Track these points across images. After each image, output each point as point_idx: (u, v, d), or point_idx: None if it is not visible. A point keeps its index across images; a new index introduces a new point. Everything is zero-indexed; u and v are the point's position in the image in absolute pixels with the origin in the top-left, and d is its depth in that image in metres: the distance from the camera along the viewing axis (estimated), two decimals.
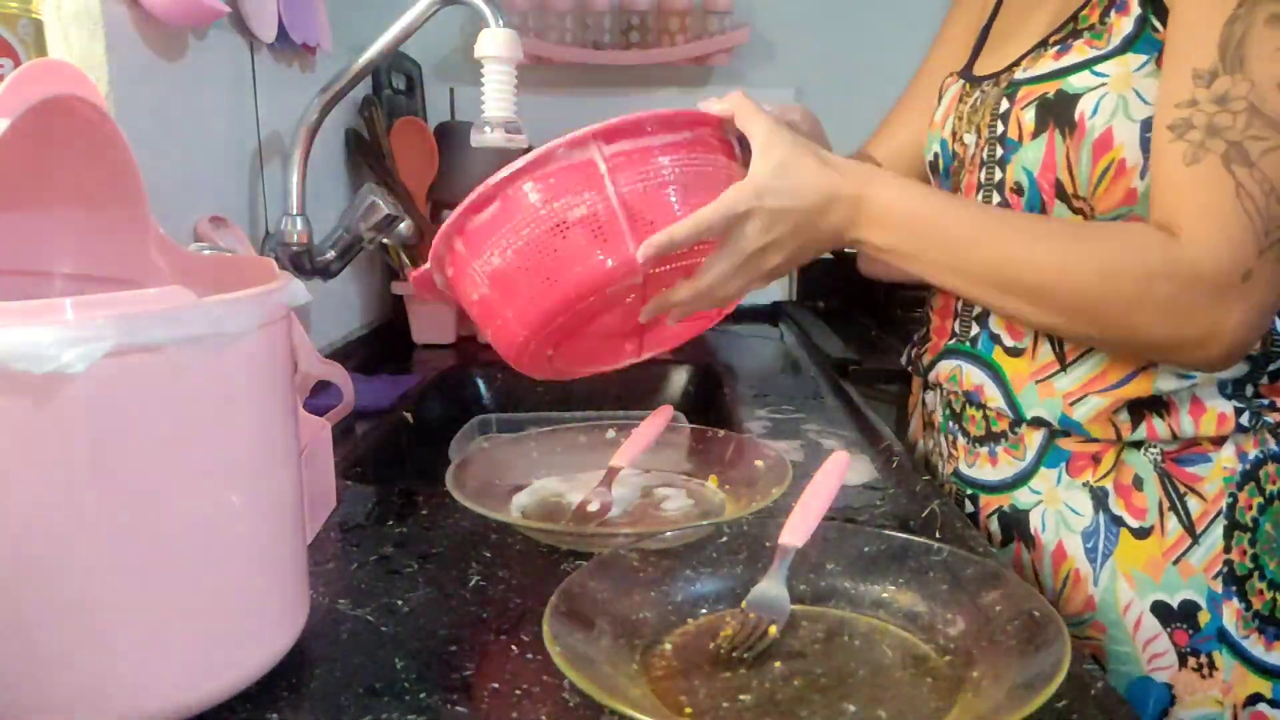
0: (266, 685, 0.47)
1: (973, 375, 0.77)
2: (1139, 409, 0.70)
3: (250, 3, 0.93)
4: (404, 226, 1.08)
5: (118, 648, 0.41)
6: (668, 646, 0.52)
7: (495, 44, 0.86)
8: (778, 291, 1.76)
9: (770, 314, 1.67)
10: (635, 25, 1.62)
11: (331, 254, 1.07)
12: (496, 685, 0.48)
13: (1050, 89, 0.68)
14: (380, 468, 0.92)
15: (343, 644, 0.52)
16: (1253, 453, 0.70)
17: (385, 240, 1.28)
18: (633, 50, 1.62)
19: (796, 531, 0.56)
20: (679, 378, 1.32)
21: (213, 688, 0.44)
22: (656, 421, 0.79)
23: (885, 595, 0.55)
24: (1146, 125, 0.64)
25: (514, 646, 0.52)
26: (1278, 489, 0.70)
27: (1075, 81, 0.67)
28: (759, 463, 0.75)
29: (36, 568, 0.39)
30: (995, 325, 0.76)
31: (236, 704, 0.46)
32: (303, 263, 1.03)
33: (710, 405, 1.18)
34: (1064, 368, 0.72)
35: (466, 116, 1.44)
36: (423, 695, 0.47)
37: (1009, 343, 0.75)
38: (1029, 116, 0.70)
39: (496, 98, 0.87)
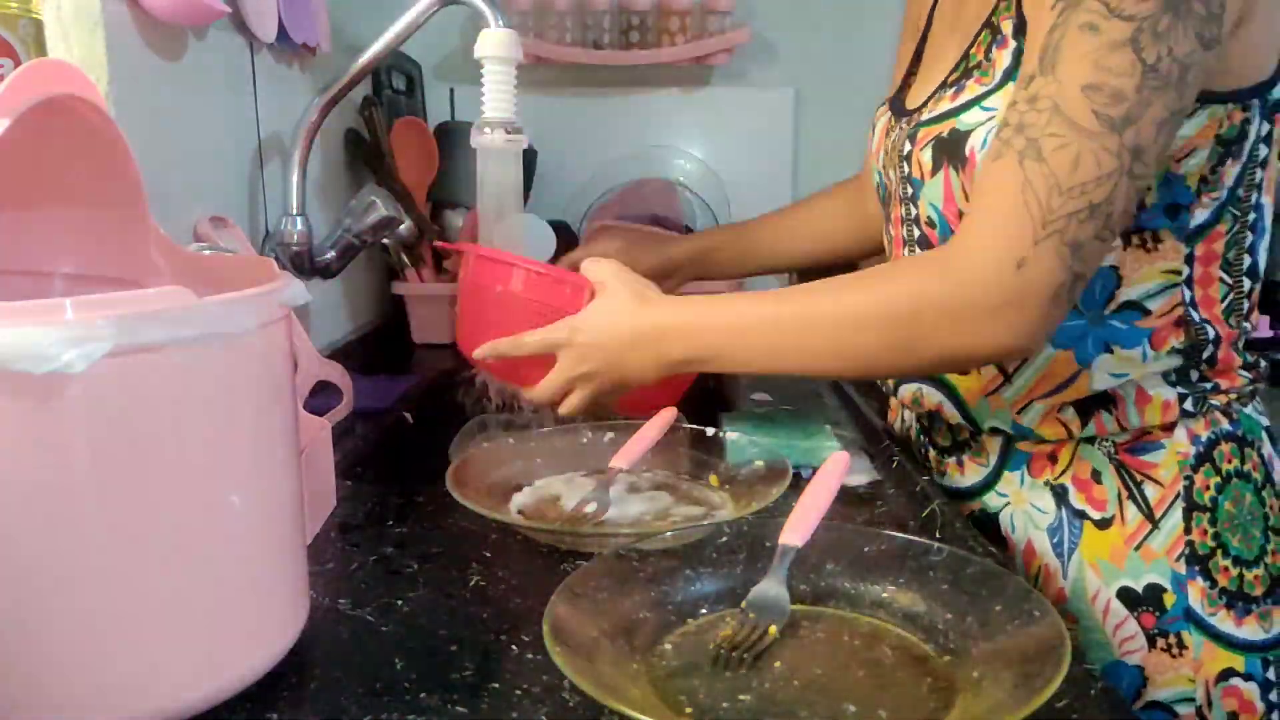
0: (266, 685, 0.47)
1: (932, 395, 0.80)
2: (1085, 407, 0.72)
3: (250, 3, 0.93)
4: (404, 227, 1.08)
5: (117, 648, 0.41)
6: (668, 646, 0.52)
7: (495, 44, 0.86)
8: None
9: None
10: (635, 25, 1.62)
11: (331, 254, 1.07)
12: (496, 685, 0.48)
13: (945, 129, 0.71)
14: (380, 468, 0.92)
15: (343, 644, 0.52)
16: (1204, 434, 0.72)
17: (385, 240, 1.28)
18: (633, 50, 1.62)
19: (796, 531, 0.56)
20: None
21: (213, 688, 0.44)
22: (658, 423, 0.79)
23: (885, 595, 0.55)
24: None
25: (514, 646, 0.52)
26: (1234, 467, 0.72)
27: (966, 119, 0.70)
28: (759, 463, 0.75)
29: (36, 568, 0.39)
30: None
31: (236, 704, 0.46)
32: (303, 263, 1.03)
33: (710, 405, 1.18)
34: (1007, 379, 0.75)
35: (466, 116, 1.44)
36: (423, 695, 0.47)
37: None
38: (926, 157, 0.73)
39: (496, 98, 0.87)
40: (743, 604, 0.54)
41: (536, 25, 1.61)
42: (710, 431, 0.81)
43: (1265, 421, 0.75)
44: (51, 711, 0.41)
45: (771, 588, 0.54)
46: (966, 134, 0.69)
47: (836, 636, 0.53)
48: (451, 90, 1.55)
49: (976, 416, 0.77)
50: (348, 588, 0.59)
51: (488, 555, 0.64)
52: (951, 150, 0.71)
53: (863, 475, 0.78)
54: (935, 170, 0.73)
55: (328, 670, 0.50)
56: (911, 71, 0.86)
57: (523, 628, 0.54)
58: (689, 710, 0.46)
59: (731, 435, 0.80)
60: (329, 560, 0.63)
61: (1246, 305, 0.73)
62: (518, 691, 0.47)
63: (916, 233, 0.78)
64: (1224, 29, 0.60)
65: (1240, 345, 0.74)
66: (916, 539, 0.57)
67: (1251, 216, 0.71)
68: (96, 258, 0.52)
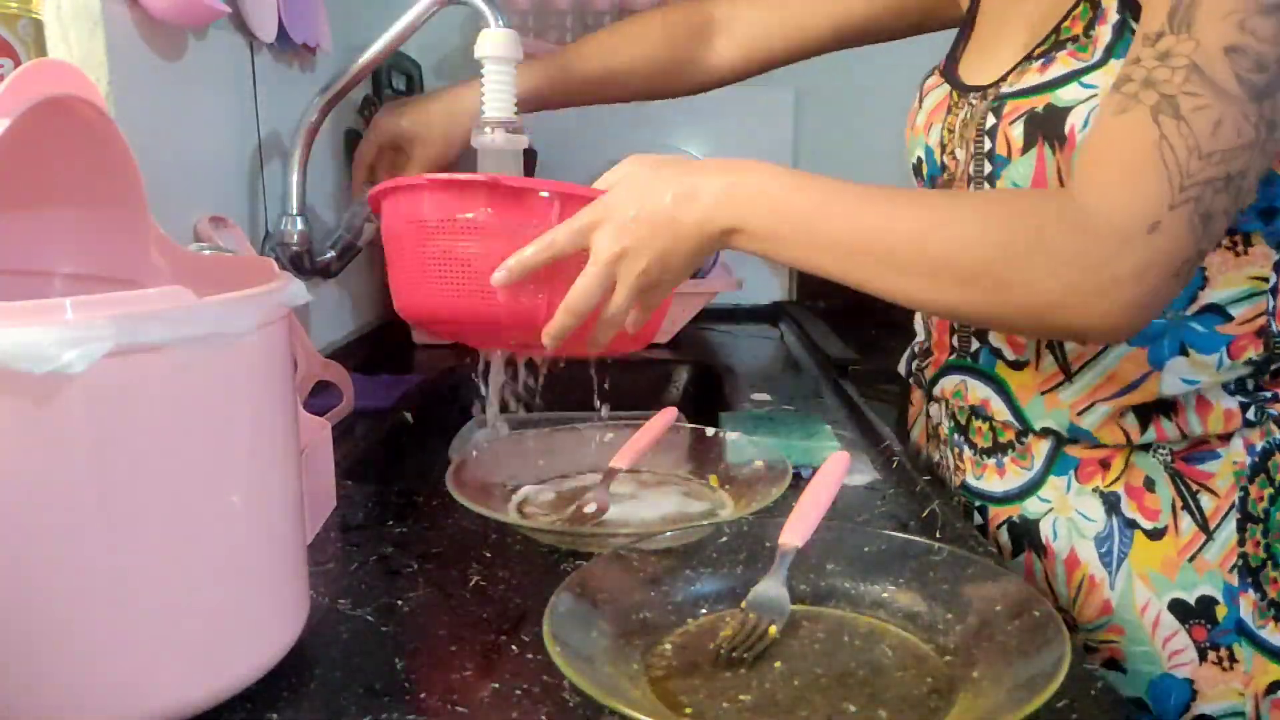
0: (266, 685, 0.47)
1: (978, 390, 0.77)
2: (1146, 412, 0.70)
3: (250, 3, 0.93)
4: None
5: (117, 648, 0.41)
6: (668, 646, 0.52)
7: (495, 44, 0.86)
8: (778, 291, 1.77)
9: (770, 314, 1.67)
10: None
11: (331, 254, 1.07)
12: (496, 685, 0.48)
13: (1039, 103, 0.67)
14: (380, 468, 0.92)
15: (343, 644, 0.52)
16: (1259, 444, 0.70)
17: None
18: None
19: (796, 531, 0.56)
20: (679, 378, 1.32)
21: (213, 688, 0.44)
22: (659, 423, 0.79)
23: (885, 595, 0.55)
24: None
25: (514, 646, 0.52)
26: None
27: (1064, 95, 0.66)
28: (759, 463, 0.75)
29: (36, 567, 0.39)
30: (996, 340, 0.76)
31: (236, 704, 0.46)
32: (303, 263, 1.03)
33: (710, 405, 1.18)
34: (1069, 378, 0.71)
35: None
36: (423, 695, 0.47)
37: (1011, 356, 0.74)
38: (1017, 132, 0.68)
39: (496, 98, 0.87)
40: (743, 604, 0.54)
41: (536, 25, 1.61)
42: (710, 431, 0.81)
43: None
44: (51, 711, 0.41)
45: (771, 588, 0.54)
46: (1066, 111, 0.65)
47: (836, 636, 0.53)
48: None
49: (1028, 415, 0.73)
50: (348, 588, 0.59)
51: (488, 555, 0.64)
52: (1048, 127, 0.66)
53: (863, 475, 0.78)
54: (1027, 148, 0.67)
55: (328, 670, 0.50)
56: (960, 41, 0.82)
57: (523, 628, 0.54)
58: (689, 710, 0.46)
59: (731, 435, 0.80)
60: (329, 560, 0.63)
61: None
62: (518, 691, 0.47)
63: None
64: None
65: None
66: (916, 539, 0.57)
67: None
68: (96, 258, 0.52)
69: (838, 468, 0.63)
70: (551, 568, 0.62)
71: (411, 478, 1.00)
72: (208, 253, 0.76)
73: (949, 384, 0.79)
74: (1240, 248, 0.67)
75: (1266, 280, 0.68)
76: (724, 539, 0.58)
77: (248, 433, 0.45)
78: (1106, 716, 0.45)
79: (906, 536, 0.58)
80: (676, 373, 1.32)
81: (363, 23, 1.35)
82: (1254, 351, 0.69)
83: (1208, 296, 0.68)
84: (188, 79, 0.86)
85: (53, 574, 0.40)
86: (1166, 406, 0.69)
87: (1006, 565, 0.70)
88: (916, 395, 0.92)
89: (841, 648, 0.52)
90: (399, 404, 1.05)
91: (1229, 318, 0.68)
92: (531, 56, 0.90)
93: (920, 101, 0.83)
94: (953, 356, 0.80)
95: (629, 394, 1.31)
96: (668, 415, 0.80)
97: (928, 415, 0.88)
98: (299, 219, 1.01)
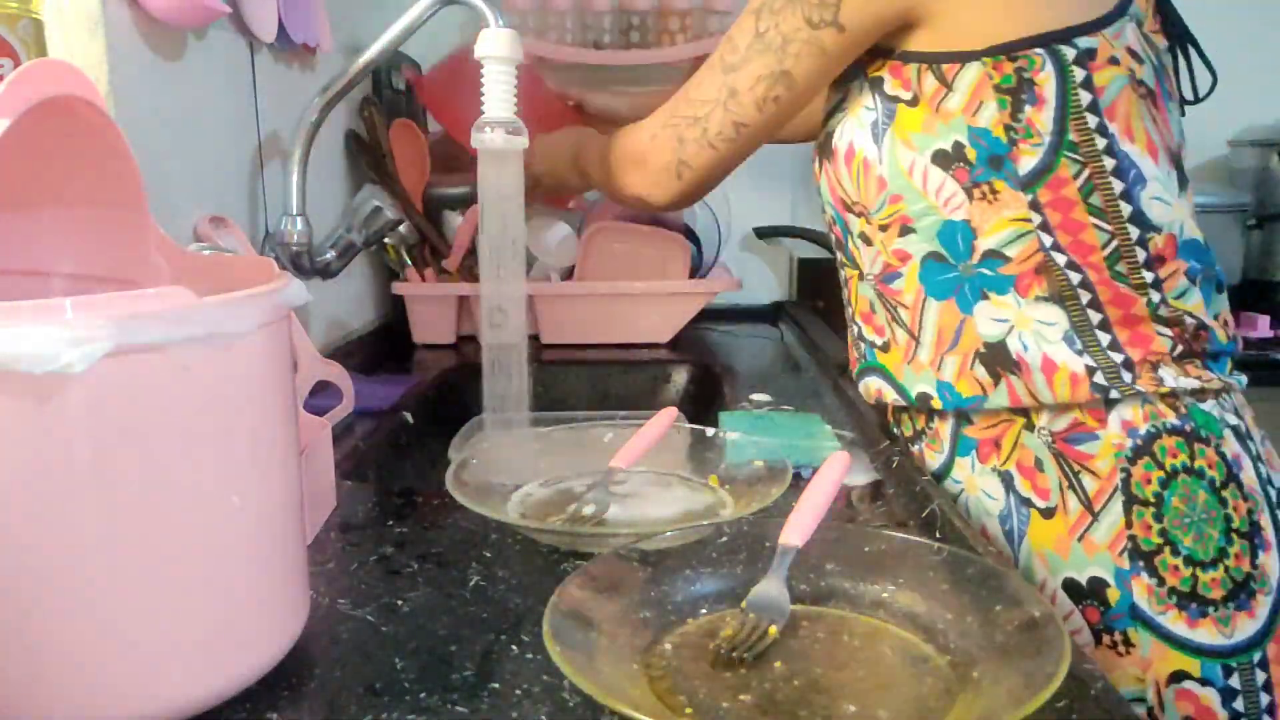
0: (266, 685, 0.47)
1: (874, 383, 0.85)
2: (991, 365, 0.75)
3: (250, 3, 0.93)
4: (404, 227, 1.08)
5: (117, 648, 0.41)
6: (668, 646, 0.52)
7: (495, 44, 0.86)
8: (778, 291, 1.77)
9: (770, 314, 1.67)
10: (635, 25, 1.62)
11: (331, 254, 1.07)
12: (496, 685, 0.48)
13: (821, 135, 0.84)
14: (380, 468, 0.92)
15: (343, 644, 0.52)
16: (1143, 427, 0.72)
17: (385, 240, 1.28)
18: (633, 50, 1.62)
19: (796, 531, 0.57)
20: (679, 378, 1.32)
21: (213, 687, 0.44)
22: (659, 424, 0.79)
23: (885, 595, 0.55)
24: (872, 126, 0.76)
25: (514, 646, 0.52)
26: (1180, 463, 0.71)
27: (829, 122, 0.82)
28: (759, 463, 0.75)
29: (36, 568, 0.39)
30: (867, 333, 0.85)
31: (236, 704, 0.46)
32: (303, 263, 1.03)
33: (710, 405, 1.18)
34: (917, 342, 0.80)
35: None
36: (423, 695, 0.47)
37: (877, 341, 0.84)
38: (816, 162, 0.85)
39: (497, 98, 0.87)
40: (743, 604, 0.54)
41: (536, 25, 1.61)
42: (710, 431, 0.81)
43: (1232, 419, 0.74)
44: (51, 711, 0.41)
45: (771, 588, 0.54)
46: (830, 133, 0.81)
47: (836, 636, 0.53)
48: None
49: (905, 386, 0.81)
50: (348, 588, 0.59)
51: (488, 555, 0.64)
52: (823, 148, 0.82)
53: (863, 475, 0.78)
54: (820, 169, 0.83)
55: (328, 670, 0.50)
56: None
57: (523, 628, 0.54)
58: (689, 710, 0.46)
59: (731, 435, 0.80)
60: (329, 560, 0.63)
61: (1143, 255, 0.73)
62: (518, 691, 0.47)
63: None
64: (840, 15, 0.73)
65: (1146, 297, 0.73)
66: (916, 539, 0.57)
67: (1109, 163, 0.72)
68: (96, 258, 0.52)
69: (838, 468, 0.63)
70: (551, 568, 0.62)
71: (411, 478, 1.00)
72: (208, 253, 0.76)
73: (862, 387, 0.88)
74: (990, 196, 0.73)
75: (1029, 220, 0.73)
76: (724, 539, 0.58)
77: (248, 433, 0.45)
78: (1106, 716, 0.45)
79: (906, 536, 0.58)
80: (676, 373, 1.32)
81: (363, 23, 1.35)
82: (1039, 288, 0.73)
83: (983, 244, 0.74)
84: (188, 79, 0.86)
85: (53, 574, 0.40)
86: (1008, 361, 0.75)
87: (1001, 562, 0.70)
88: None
89: (841, 648, 0.52)
90: (399, 404, 1.05)
91: (1007, 259, 0.74)
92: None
93: None
94: (857, 366, 0.89)
95: (629, 395, 1.31)
96: (668, 415, 0.80)
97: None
98: (299, 219, 1.01)
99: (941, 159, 0.74)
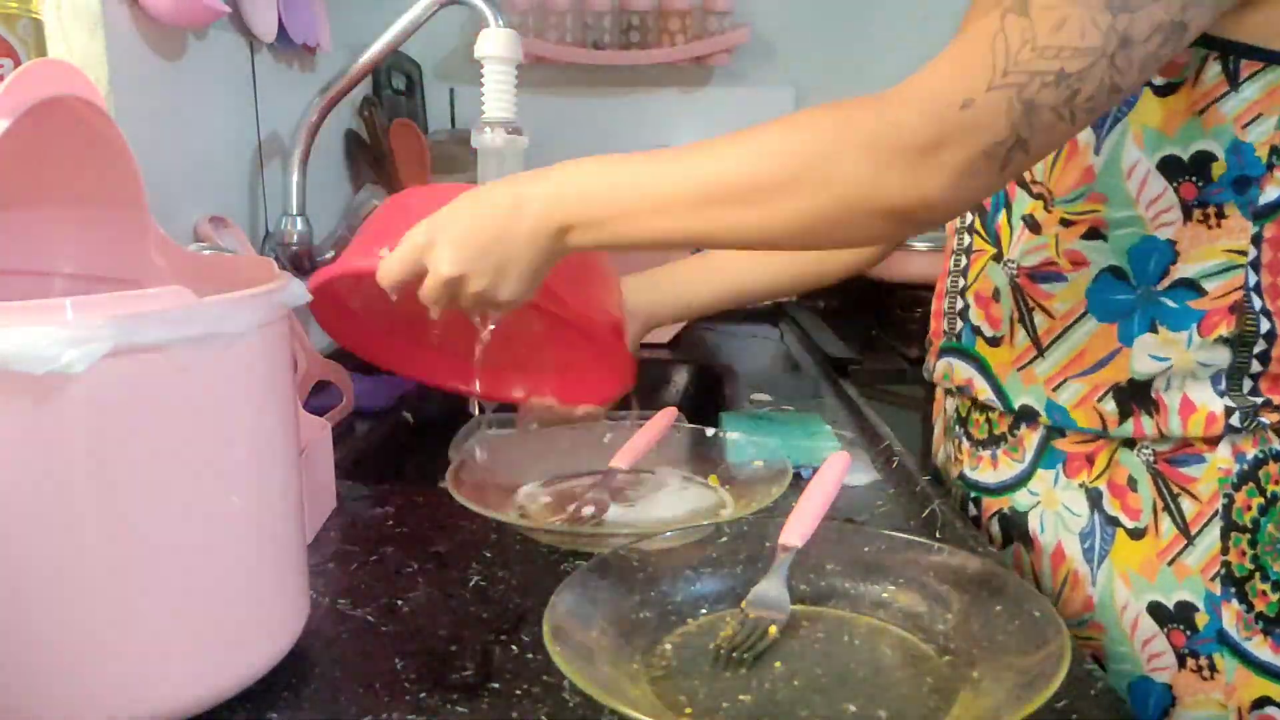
0: (266, 685, 0.47)
1: (961, 370, 0.78)
2: (1124, 399, 0.70)
3: (250, 3, 0.93)
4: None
5: (117, 648, 0.41)
6: (668, 646, 0.52)
7: (495, 44, 0.86)
8: None
9: (770, 314, 1.67)
10: (635, 25, 1.62)
11: (331, 254, 1.07)
12: (496, 685, 0.48)
13: None
14: (380, 468, 0.92)
15: (343, 644, 0.52)
16: (1251, 453, 0.69)
17: None
18: (633, 50, 1.62)
19: (796, 531, 0.56)
20: (679, 378, 1.32)
21: (213, 687, 0.44)
22: (659, 424, 0.79)
23: (885, 595, 0.55)
24: None
25: (514, 646, 0.52)
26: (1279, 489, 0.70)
27: None
28: (759, 463, 0.75)
29: (36, 568, 0.39)
30: (975, 317, 0.77)
31: (236, 704, 0.46)
32: (303, 263, 1.03)
33: (710, 405, 1.18)
34: (1041, 352, 0.72)
35: (466, 117, 1.44)
36: (423, 695, 0.47)
37: (989, 333, 0.76)
38: None
39: (496, 98, 0.87)
40: (743, 604, 0.54)
41: (536, 25, 1.61)
42: (710, 431, 0.81)
43: None
44: (51, 712, 0.41)
45: (771, 588, 0.54)
46: None
47: (836, 636, 0.53)
48: (451, 90, 1.55)
49: (1008, 392, 0.74)
50: (348, 588, 0.59)
51: (488, 555, 0.64)
52: None
53: (863, 475, 0.78)
54: None
55: (328, 670, 0.50)
56: None
57: (523, 628, 0.54)
58: (689, 710, 0.46)
59: (731, 435, 0.80)
60: (329, 560, 0.63)
61: None
62: (518, 691, 0.47)
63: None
64: None
65: None
66: (916, 539, 0.57)
67: None
68: (96, 258, 0.52)
69: (838, 468, 0.63)
70: (551, 568, 0.62)
71: (411, 478, 1.00)
72: (208, 253, 0.76)
73: (940, 367, 0.81)
74: (1213, 220, 0.66)
75: (1244, 253, 0.66)
76: (724, 539, 0.58)
77: (248, 433, 0.45)
78: (1106, 716, 0.45)
79: (906, 536, 0.57)
80: (676, 373, 1.32)
81: (363, 23, 1.35)
82: (1225, 328, 0.67)
83: (1180, 271, 0.67)
84: (188, 79, 0.86)
85: (53, 574, 0.40)
86: (1146, 399, 0.69)
87: (1003, 562, 0.70)
88: (939, 392, 0.92)
89: (841, 648, 0.52)
90: (399, 404, 1.05)
91: (1202, 292, 0.67)
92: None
93: None
94: (943, 341, 0.81)
95: (629, 394, 1.31)
96: (668, 415, 0.80)
97: (945, 409, 0.88)
98: (299, 219, 1.01)
99: (1172, 167, 0.65)
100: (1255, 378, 0.69)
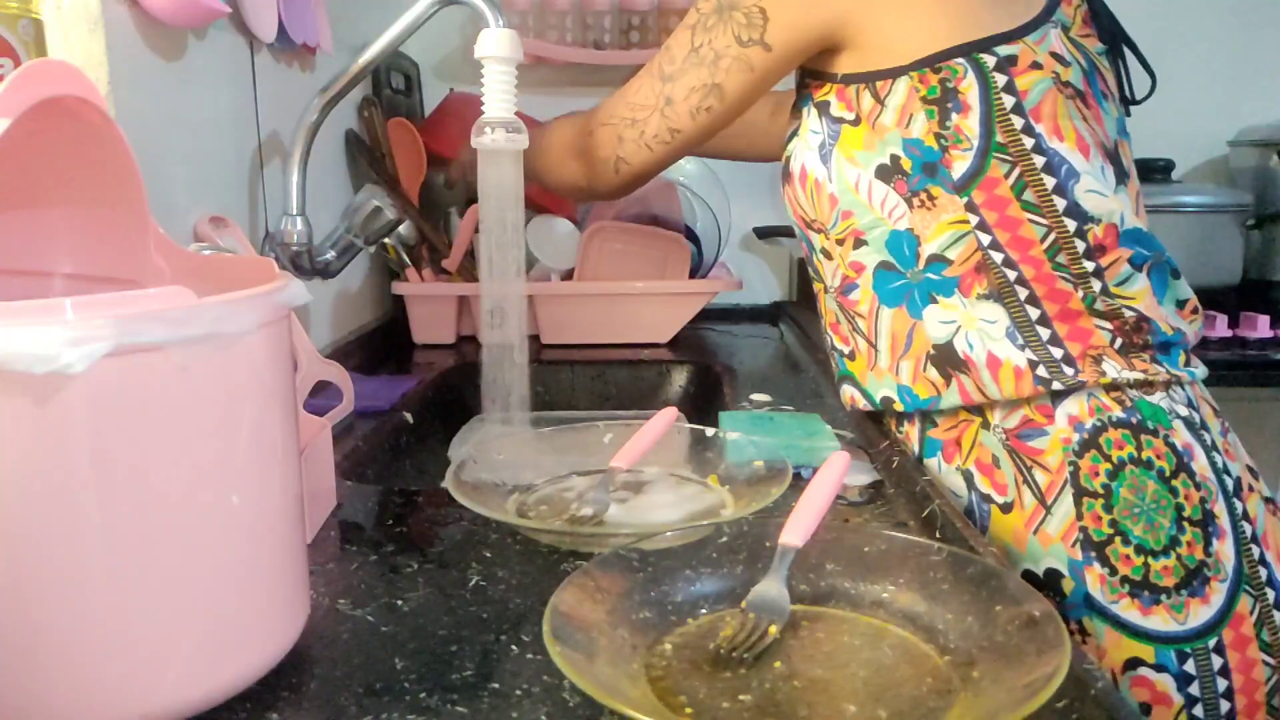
0: (266, 685, 0.47)
1: (847, 392, 0.88)
2: (941, 365, 0.79)
3: (250, 3, 0.93)
4: (403, 227, 1.08)
5: (117, 648, 0.41)
6: (668, 646, 0.52)
7: (495, 44, 0.86)
8: (778, 291, 1.77)
9: (770, 314, 1.67)
10: (635, 25, 1.62)
11: (331, 254, 1.07)
12: (496, 685, 0.48)
13: (782, 159, 0.88)
14: (380, 468, 0.92)
15: (343, 644, 0.52)
16: (1090, 421, 0.75)
17: (385, 240, 1.28)
18: (633, 50, 1.62)
19: (796, 531, 0.57)
20: (679, 378, 1.32)
21: (213, 687, 0.44)
22: (659, 423, 0.79)
23: (885, 595, 0.55)
24: (819, 147, 0.81)
25: (514, 646, 0.52)
26: (1127, 454, 0.73)
27: (788, 147, 0.86)
28: (759, 463, 0.75)
29: (36, 568, 0.39)
30: (836, 342, 0.88)
31: (236, 704, 0.46)
32: (303, 263, 1.03)
33: (710, 405, 1.18)
34: (875, 349, 0.83)
35: None
36: (423, 695, 0.47)
37: (845, 350, 0.87)
38: (780, 184, 0.89)
39: (497, 98, 0.87)
40: (743, 604, 0.54)
41: (536, 25, 1.61)
42: (710, 431, 0.81)
43: (1184, 411, 0.75)
44: (52, 711, 0.41)
45: (771, 588, 0.54)
46: (788, 158, 0.86)
47: (836, 636, 0.53)
48: (451, 90, 1.55)
49: (870, 392, 0.85)
50: (348, 588, 0.59)
51: (488, 555, 0.64)
52: (784, 170, 0.87)
53: (863, 475, 0.78)
54: (784, 194, 0.88)
55: (328, 670, 0.50)
56: None
57: (523, 628, 0.54)
58: (689, 710, 0.46)
59: (731, 435, 0.80)
60: (329, 560, 0.63)
61: (1082, 246, 0.75)
62: (518, 691, 0.47)
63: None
64: (766, 35, 0.78)
65: (1085, 290, 0.76)
66: (916, 539, 0.57)
67: (1039, 160, 0.75)
68: (96, 258, 0.52)
69: (838, 468, 0.63)
70: (551, 568, 0.62)
71: (411, 478, 1.00)
72: (208, 253, 0.76)
73: (844, 395, 0.90)
74: (928, 203, 0.77)
75: (966, 221, 0.76)
76: (724, 539, 0.58)
77: (248, 433, 0.45)
78: (1106, 716, 0.45)
79: (906, 536, 0.58)
80: (676, 373, 1.32)
81: (363, 23, 1.35)
82: (980, 287, 0.77)
83: (927, 250, 0.78)
84: (188, 79, 0.86)
85: (52, 574, 0.40)
86: (956, 361, 0.78)
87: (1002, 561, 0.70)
88: None
89: (841, 648, 0.52)
90: (399, 404, 1.05)
91: (949, 261, 0.77)
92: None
93: None
94: (836, 372, 0.91)
95: (629, 395, 1.31)
96: (668, 415, 0.80)
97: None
98: (299, 219, 1.01)
99: (882, 172, 0.78)
100: (1047, 326, 0.76)
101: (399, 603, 0.57)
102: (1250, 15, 1.73)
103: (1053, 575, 0.74)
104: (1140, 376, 0.75)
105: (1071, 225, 0.76)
